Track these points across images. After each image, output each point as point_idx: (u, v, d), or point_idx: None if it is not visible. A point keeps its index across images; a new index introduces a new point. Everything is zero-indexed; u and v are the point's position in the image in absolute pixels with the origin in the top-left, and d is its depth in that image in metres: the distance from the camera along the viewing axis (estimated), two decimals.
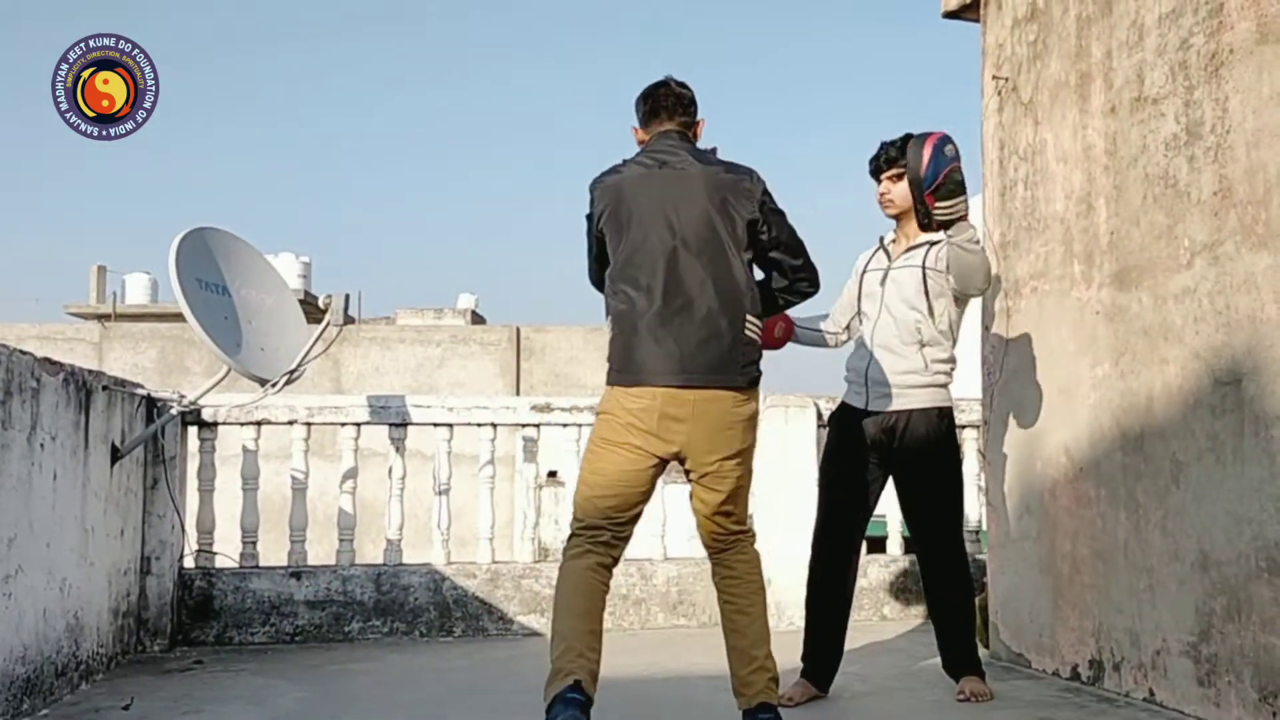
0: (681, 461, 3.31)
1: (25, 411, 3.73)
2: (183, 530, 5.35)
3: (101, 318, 25.83)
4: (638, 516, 3.37)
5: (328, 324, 5.02)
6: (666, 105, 3.43)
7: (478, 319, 22.26)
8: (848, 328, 4.17)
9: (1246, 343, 3.35)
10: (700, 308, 3.18)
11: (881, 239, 4.14)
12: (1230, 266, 3.42)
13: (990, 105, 4.83)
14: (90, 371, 4.45)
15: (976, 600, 5.06)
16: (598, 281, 3.47)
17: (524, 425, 6.02)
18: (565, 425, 5.87)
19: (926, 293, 3.89)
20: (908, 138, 3.89)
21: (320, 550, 6.18)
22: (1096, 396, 4.06)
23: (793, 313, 3.80)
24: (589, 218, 3.41)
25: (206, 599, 5.34)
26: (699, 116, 3.48)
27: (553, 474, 14.13)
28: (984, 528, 5.41)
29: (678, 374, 3.16)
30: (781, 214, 3.36)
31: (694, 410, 3.17)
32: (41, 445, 3.86)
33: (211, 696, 4.16)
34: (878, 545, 6.20)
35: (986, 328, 4.82)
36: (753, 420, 3.29)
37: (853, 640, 4.30)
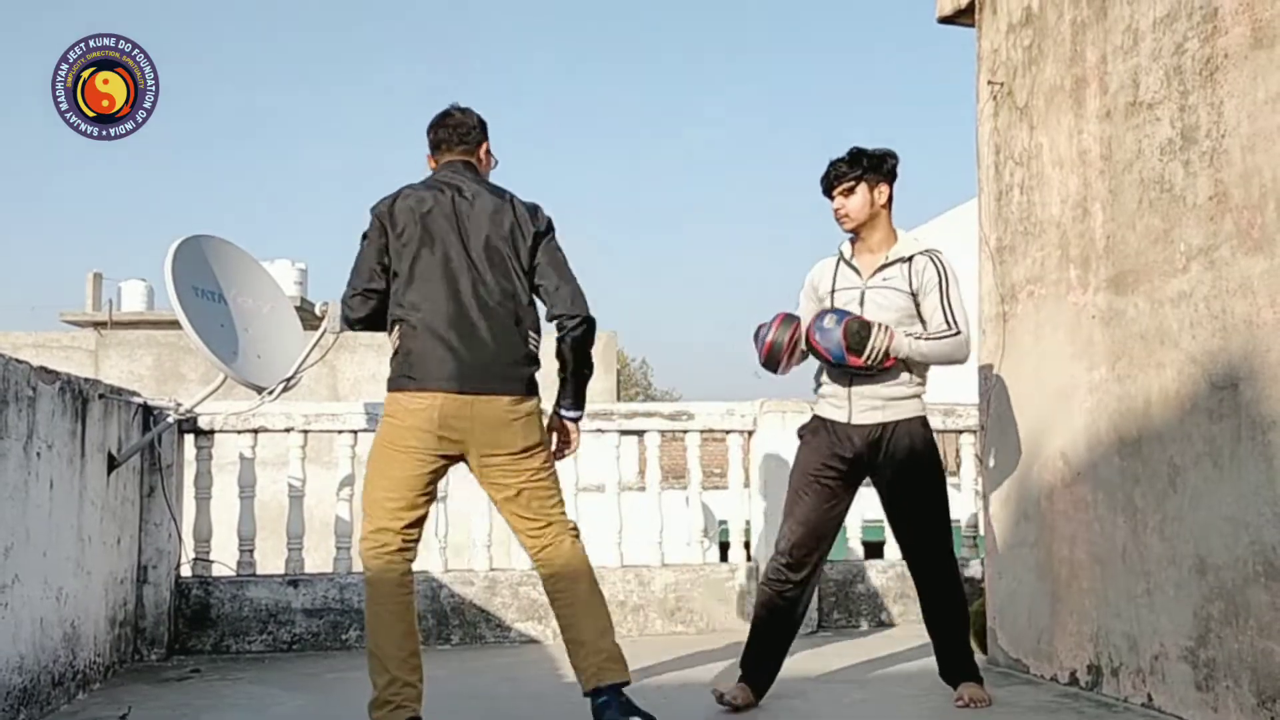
0: (466, 461, 3.57)
1: (21, 420, 3.72)
2: (180, 538, 5.34)
3: (97, 325, 25.80)
4: (423, 519, 3.58)
5: (324, 331, 5.01)
6: (447, 137, 3.68)
7: None
8: None
9: (1243, 347, 3.36)
10: (483, 323, 3.46)
11: (841, 253, 4.08)
12: (1226, 271, 3.43)
13: (985, 110, 4.84)
14: (86, 380, 4.45)
15: (973, 606, 5.07)
16: (361, 296, 3.61)
17: None
18: None
19: (922, 319, 3.89)
20: (859, 152, 3.94)
21: (317, 558, 6.17)
22: (1093, 401, 4.07)
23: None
24: (365, 237, 3.61)
25: (204, 607, 5.33)
26: (484, 143, 3.71)
27: None
28: (981, 533, 5.41)
29: (459, 380, 3.43)
30: (558, 250, 3.61)
31: (473, 411, 3.43)
32: (38, 454, 3.86)
33: (209, 705, 4.15)
34: (875, 550, 6.20)
35: (983, 332, 4.82)
36: (531, 419, 3.53)
37: (853, 645, 4.32)
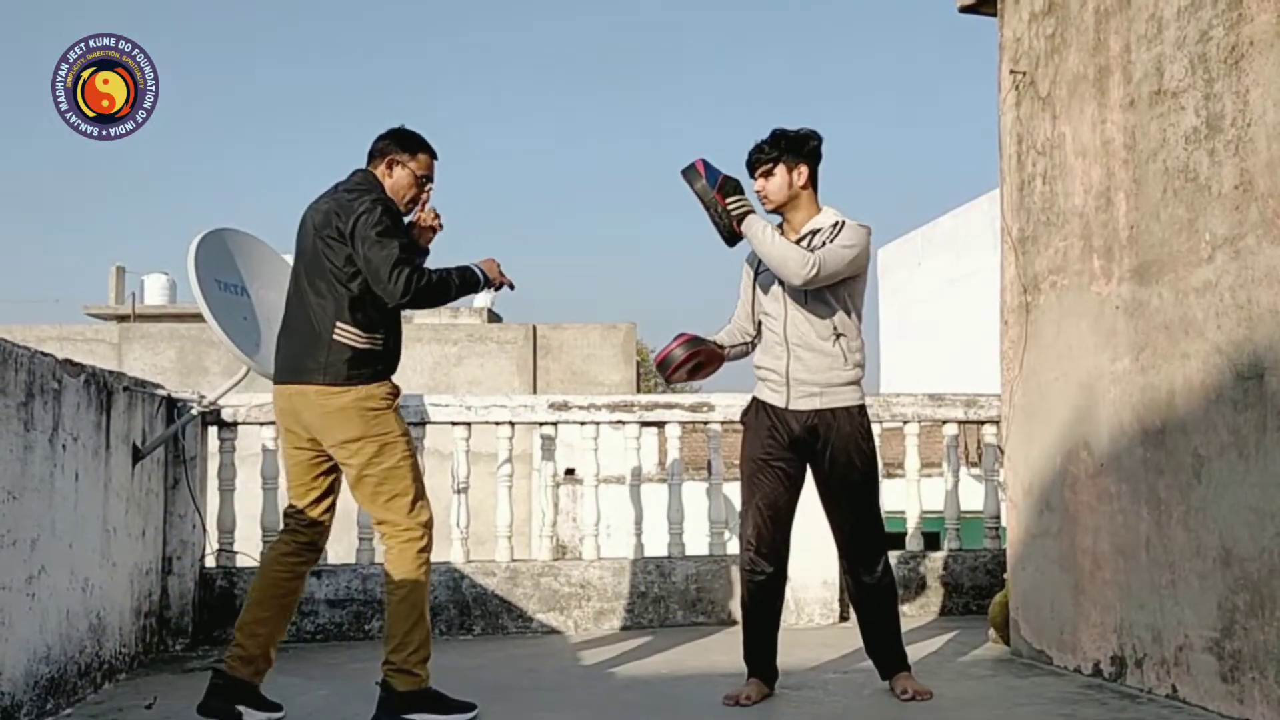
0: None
1: (47, 413, 3.76)
2: (204, 530, 5.38)
3: (120, 318, 25.99)
4: (318, 502, 3.84)
5: None
6: (369, 151, 3.91)
7: (494, 317, 22.30)
8: (758, 328, 4.13)
9: (1268, 336, 3.33)
10: (300, 316, 3.73)
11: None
12: (1251, 260, 3.40)
13: (1008, 100, 4.81)
14: (111, 372, 4.48)
15: (997, 597, 5.06)
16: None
17: (541, 423, 6.03)
18: (583, 423, 5.88)
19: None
20: (778, 134, 3.94)
21: (340, 549, 6.18)
22: (1117, 392, 4.04)
23: (719, 338, 4.14)
24: None
25: (228, 598, 5.36)
26: (390, 155, 3.84)
27: (570, 471, 14.17)
28: (1004, 523, 5.39)
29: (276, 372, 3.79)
30: (368, 238, 3.65)
31: (290, 404, 3.72)
32: (63, 446, 3.89)
33: None
34: (896, 541, 6.18)
35: (1005, 323, 4.80)
36: (347, 412, 3.65)
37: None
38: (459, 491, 5.71)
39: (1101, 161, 4.16)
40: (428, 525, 3.80)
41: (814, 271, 3.75)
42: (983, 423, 6.21)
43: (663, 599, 5.75)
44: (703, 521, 6.12)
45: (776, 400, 3.96)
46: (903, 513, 6.16)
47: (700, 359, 4.03)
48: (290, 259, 4.06)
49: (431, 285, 3.69)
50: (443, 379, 14.96)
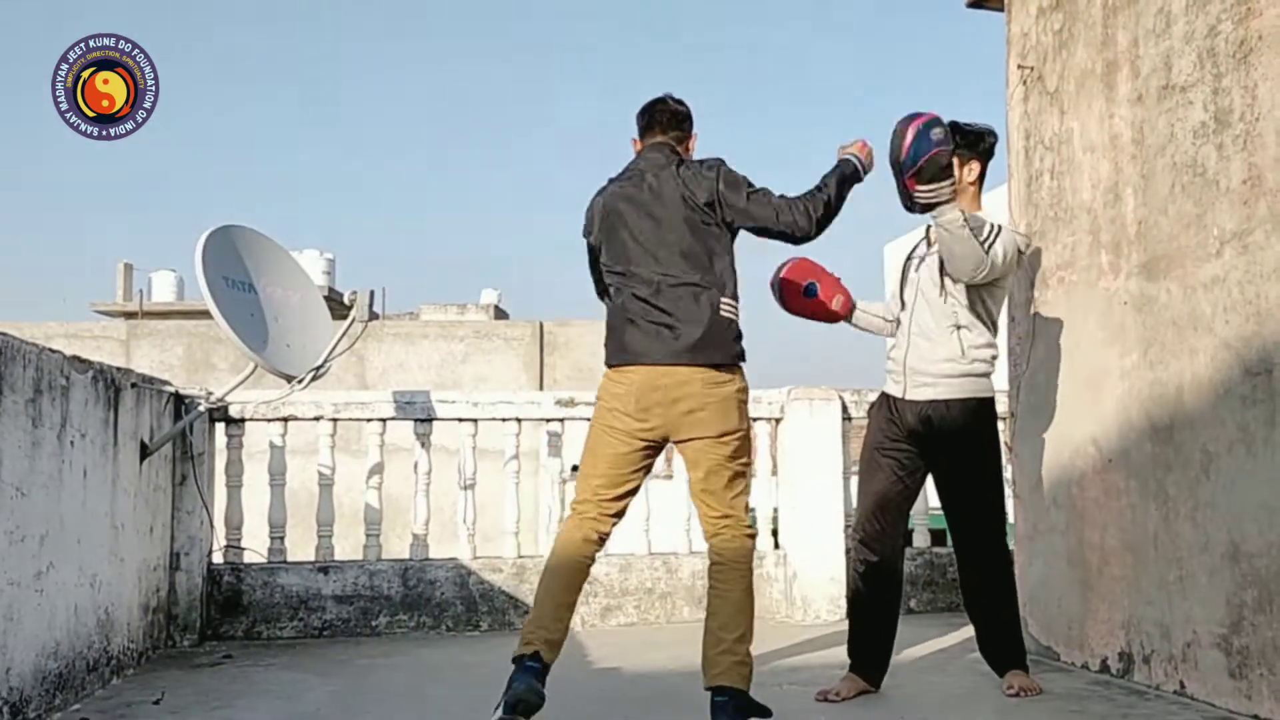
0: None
1: (55, 409, 3.76)
2: (211, 526, 5.39)
3: (128, 315, 26.03)
4: (630, 495, 3.64)
5: (353, 320, 5.04)
6: (660, 121, 3.68)
7: (501, 314, 22.32)
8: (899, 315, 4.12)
9: (1277, 331, 3.32)
10: (677, 296, 3.44)
11: (928, 229, 4.04)
12: (1260, 255, 3.39)
13: (1015, 95, 4.80)
14: (118, 369, 4.48)
15: None
16: (602, 291, 3.74)
17: (548, 420, 6.03)
18: (589, 420, 5.87)
19: (942, 273, 3.84)
20: (954, 126, 3.83)
21: (347, 545, 6.21)
22: (1125, 387, 4.03)
23: (865, 306, 4.15)
24: (585, 234, 3.74)
25: (235, 594, 5.38)
26: (693, 132, 3.72)
27: (576, 468, 14.17)
28: (1012, 520, 5.39)
29: (661, 356, 3.44)
30: (738, 184, 3.49)
31: (667, 392, 3.43)
32: (71, 443, 3.90)
33: (241, 691, 4.19)
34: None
35: (1013, 319, 4.79)
36: (729, 401, 3.45)
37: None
38: (466, 488, 5.72)
39: (1110, 156, 4.15)
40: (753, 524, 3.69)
41: (987, 269, 3.74)
42: None
43: (669, 595, 5.75)
44: None
45: (896, 391, 3.95)
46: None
47: (795, 283, 4.00)
48: (300, 256, 4.06)
49: (830, 202, 3.52)
50: (449, 376, 14.96)
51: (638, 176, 3.59)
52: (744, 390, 3.52)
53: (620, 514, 3.65)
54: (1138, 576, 3.95)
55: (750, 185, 3.51)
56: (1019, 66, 4.75)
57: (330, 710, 3.90)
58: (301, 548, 5.82)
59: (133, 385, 4.61)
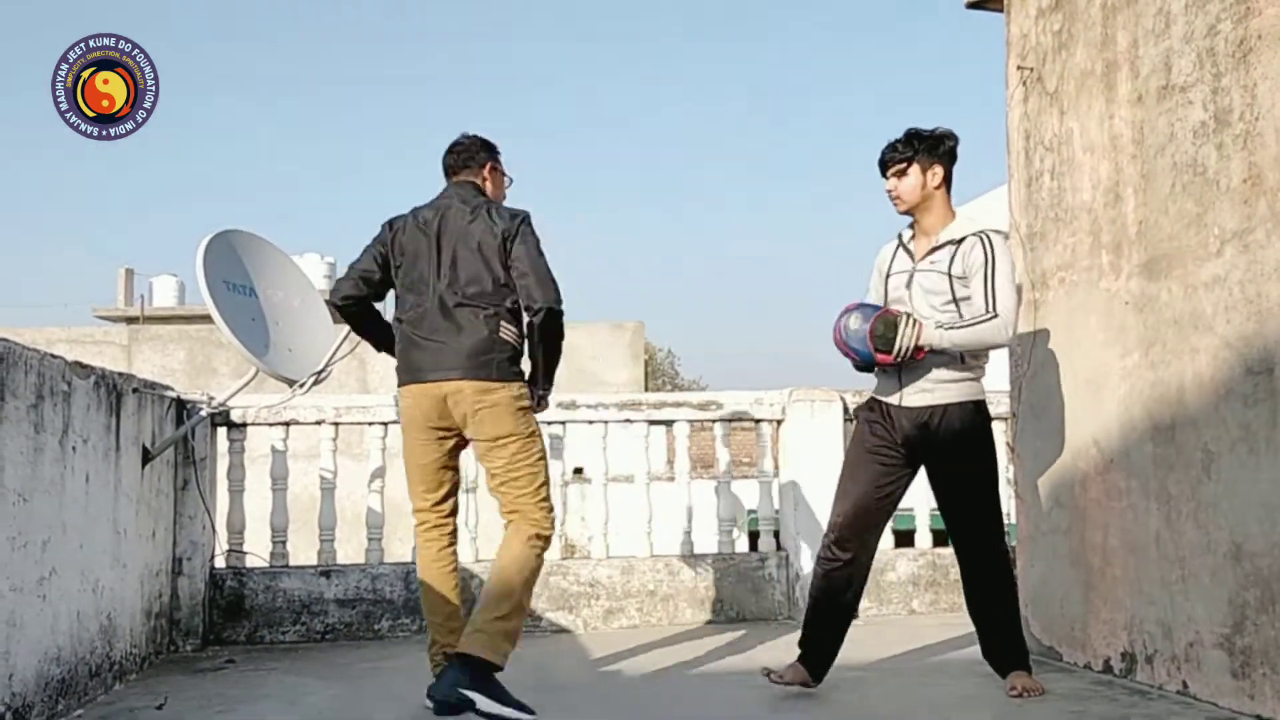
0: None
1: (57, 415, 3.77)
2: (213, 530, 5.39)
3: (129, 320, 26.06)
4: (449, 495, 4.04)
5: None
6: (458, 162, 4.06)
7: None
8: None
9: (1278, 331, 3.32)
10: (461, 317, 3.81)
11: (900, 236, 4.06)
12: (1261, 254, 3.39)
13: (1015, 96, 4.80)
14: (120, 374, 4.49)
15: None
16: (357, 284, 4.06)
17: (550, 423, 6.03)
18: (591, 422, 5.88)
19: (955, 301, 3.84)
20: (913, 133, 3.90)
21: (349, 549, 6.21)
22: (1126, 387, 4.03)
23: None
24: (377, 241, 4.06)
25: (238, 598, 5.38)
26: (489, 161, 4.08)
27: (579, 470, 14.16)
28: (1013, 520, 5.39)
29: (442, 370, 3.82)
30: (526, 239, 3.86)
31: (448, 400, 3.81)
32: (73, 448, 3.90)
33: (244, 695, 4.19)
34: (906, 539, 6.18)
35: None
36: (499, 408, 3.80)
37: (882, 633, 4.31)
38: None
39: (1110, 157, 4.15)
40: (552, 525, 3.95)
41: (1010, 330, 3.77)
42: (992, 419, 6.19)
43: (671, 597, 5.75)
44: (711, 520, 6.12)
45: (890, 397, 3.94)
46: (912, 510, 6.14)
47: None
48: (300, 261, 4.09)
49: (559, 330, 3.91)
50: None
51: (442, 208, 3.93)
52: (521, 397, 3.86)
53: (455, 510, 4.06)
54: (1140, 577, 3.95)
55: (537, 246, 3.87)
56: (1019, 67, 4.75)
57: (333, 714, 3.91)
58: (304, 552, 5.82)
59: (134, 390, 4.62)
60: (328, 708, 3.99)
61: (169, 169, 76.04)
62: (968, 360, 3.88)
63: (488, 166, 4.08)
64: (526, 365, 3.95)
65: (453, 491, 4.04)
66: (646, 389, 19.00)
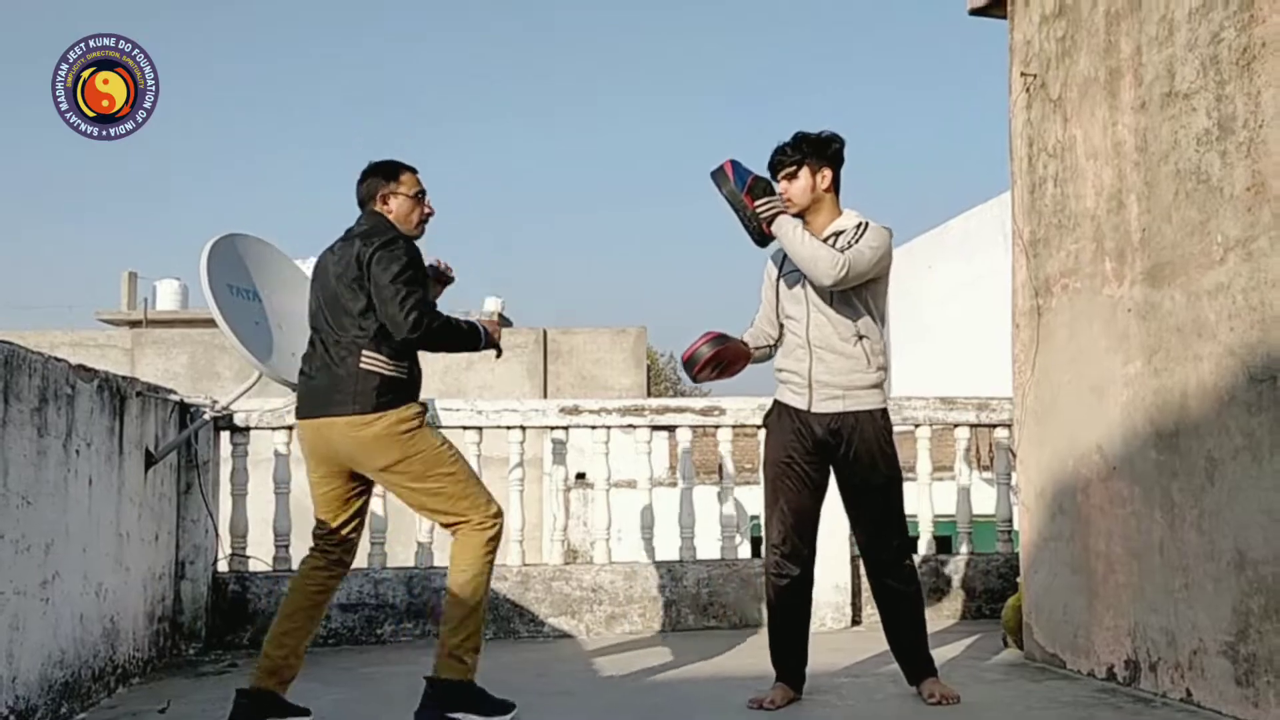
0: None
1: (61, 418, 3.77)
2: (216, 534, 5.40)
3: (133, 324, 26.09)
4: (344, 528, 3.89)
5: None
6: (362, 193, 3.94)
7: (505, 321, 22.32)
8: (780, 331, 4.11)
9: None
10: (334, 354, 3.73)
11: None
12: (1264, 262, 3.39)
13: (1018, 102, 4.81)
14: (124, 378, 4.49)
15: (1010, 600, 5.04)
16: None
17: (552, 428, 6.04)
18: (594, 427, 5.88)
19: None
20: (801, 136, 3.95)
21: None
22: (1129, 394, 4.03)
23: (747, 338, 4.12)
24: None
25: (240, 602, 5.38)
26: (392, 183, 3.89)
27: (581, 476, 14.18)
28: (1016, 527, 5.38)
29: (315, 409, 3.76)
30: (389, 267, 3.69)
31: (320, 436, 3.74)
32: (77, 451, 3.90)
33: None
34: (909, 546, 6.17)
35: (1017, 326, 4.79)
36: (378, 440, 3.67)
37: (879, 642, 4.29)
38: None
39: (1113, 164, 4.16)
40: (497, 516, 3.83)
41: (844, 272, 3.76)
42: (994, 426, 6.20)
43: (674, 603, 5.75)
44: (714, 525, 6.12)
45: (799, 403, 3.95)
46: (915, 516, 6.14)
47: (726, 358, 4.01)
48: (302, 264, 4.09)
49: (441, 326, 3.74)
50: (453, 384, 14.98)
51: (341, 242, 3.85)
52: (401, 421, 3.70)
53: (349, 552, 3.93)
54: (1143, 584, 3.94)
55: (401, 273, 3.68)
56: (1022, 74, 4.76)
57: (336, 717, 3.90)
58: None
59: (138, 394, 4.62)
60: (331, 712, 3.99)
61: (172, 172, 76.19)
62: (873, 363, 3.90)
63: (380, 195, 3.89)
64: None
65: (352, 533, 3.89)
66: (649, 394, 19.00)
